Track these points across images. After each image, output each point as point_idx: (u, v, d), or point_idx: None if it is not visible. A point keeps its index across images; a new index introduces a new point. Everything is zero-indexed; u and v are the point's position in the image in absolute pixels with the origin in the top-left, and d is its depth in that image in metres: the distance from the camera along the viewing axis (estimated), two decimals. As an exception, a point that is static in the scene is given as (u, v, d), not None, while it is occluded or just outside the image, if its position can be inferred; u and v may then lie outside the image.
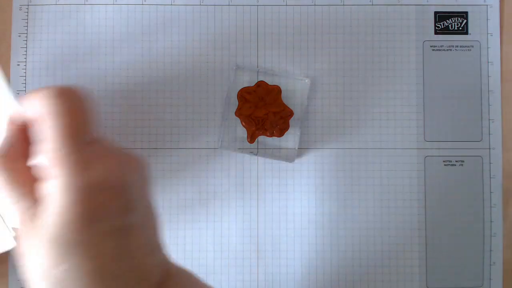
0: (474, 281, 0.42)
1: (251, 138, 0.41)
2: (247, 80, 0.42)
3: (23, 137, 0.25)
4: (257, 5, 0.42)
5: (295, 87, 0.42)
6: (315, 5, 0.42)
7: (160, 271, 0.26)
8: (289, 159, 0.41)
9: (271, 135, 0.41)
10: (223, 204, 0.42)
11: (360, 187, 0.42)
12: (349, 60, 0.42)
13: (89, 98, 0.24)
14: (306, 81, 0.41)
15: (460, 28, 0.42)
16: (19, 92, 0.42)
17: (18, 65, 0.42)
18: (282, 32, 0.42)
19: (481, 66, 0.42)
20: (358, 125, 0.42)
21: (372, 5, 0.42)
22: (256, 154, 0.41)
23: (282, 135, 0.41)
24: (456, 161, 0.42)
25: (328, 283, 0.42)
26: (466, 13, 0.42)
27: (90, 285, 0.23)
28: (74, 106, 0.23)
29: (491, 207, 0.42)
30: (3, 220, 0.31)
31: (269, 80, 0.41)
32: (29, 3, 0.42)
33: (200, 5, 0.42)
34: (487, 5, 0.42)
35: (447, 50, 0.42)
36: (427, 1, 0.42)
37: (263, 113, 0.40)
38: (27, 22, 0.42)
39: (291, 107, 0.41)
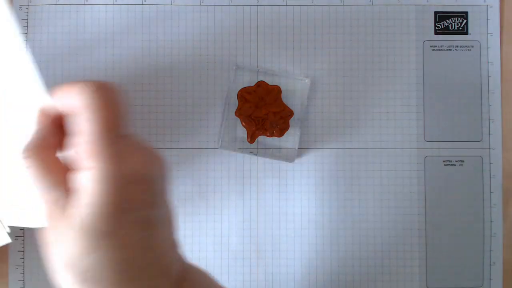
0: (474, 281, 0.42)
1: (251, 138, 0.41)
2: (247, 80, 0.42)
3: (53, 128, 0.25)
4: (257, 5, 0.42)
5: (295, 87, 0.42)
6: (315, 5, 0.42)
7: (178, 268, 0.26)
8: (289, 159, 0.41)
9: (271, 135, 0.41)
10: (223, 204, 0.42)
11: (360, 187, 0.42)
12: (349, 60, 0.42)
13: (121, 94, 0.25)
14: (306, 81, 0.41)
15: (460, 28, 0.42)
16: (19, 92, 0.42)
17: (18, 65, 0.42)
18: (282, 32, 0.42)
19: (481, 66, 0.42)
20: (358, 125, 0.42)
21: (372, 5, 0.42)
22: (256, 154, 0.41)
23: (282, 135, 0.41)
24: (456, 161, 0.42)
25: (328, 283, 0.42)
26: (466, 13, 0.42)
27: (116, 275, 0.23)
28: (110, 101, 0.24)
29: (491, 207, 0.42)
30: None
31: (269, 80, 0.41)
32: (29, 3, 0.42)
33: (200, 5, 0.42)
34: (487, 5, 0.42)
35: (447, 50, 0.42)
36: (427, 1, 0.42)
37: (263, 113, 0.40)
38: (27, 22, 0.42)
39: (291, 107, 0.41)
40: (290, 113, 0.41)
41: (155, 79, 0.42)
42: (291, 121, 0.41)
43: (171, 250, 0.26)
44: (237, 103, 0.41)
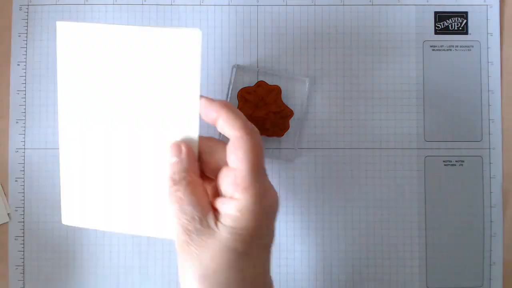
0: (474, 281, 0.42)
1: (251, 138, 0.41)
2: (247, 80, 0.42)
3: (195, 157, 0.30)
4: (257, 5, 0.42)
5: (295, 87, 0.42)
6: (315, 5, 0.42)
7: None
8: (289, 159, 0.41)
9: (271, 135, 0.41)
10: (223, 204, 0.42)
11: (360, 187, 0.42)
12: (349, 60, 0.42)
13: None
14: (306, 81, 0.41)
15: (460, 28, 0.42)
16: (19, 92, 0.42)
17: (18, 65, 0.42)
18: (282, 32, 0.42)
19: (481, 66, 0.42)
20: (358, 125, 0.42)
21: (372, 5, 0.42)
22: (256, 154, 0.41)
23: (282, 135, 0.41)
24: (456, 161, 0.42)
25: (328, 283, 0.42)
26: (466, 13, 0.42)
27: None
28: (259, 144, 0.28)
29: (491, 207, 0.42)
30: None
31: (269, 80, 0.41)
32: (29, 3, 0.42)
33: (201, 5, 0.42)
34: (487, 5, 0.42)
35: (447, 50, 0.42)
36: (427, 1, 0.42)
37: (263, 113, 0.40)
38: (27, 22, 0.42)
39: (291, 107, 0.41)
40: (290, 113, 0.41)
41: (155, 79, 0.42)
42: (291, 121, 0.41)
43: (269, 273, 0.30)
44: (237, 103, 0.41)
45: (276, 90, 0.41)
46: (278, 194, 0.30)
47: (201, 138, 0.29)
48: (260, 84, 0.41)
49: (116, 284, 0.42)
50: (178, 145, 0.29)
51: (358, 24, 0.42)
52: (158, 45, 0.28)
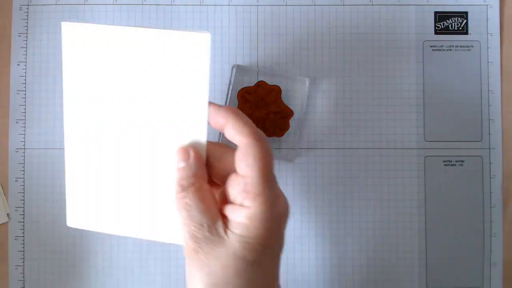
0: (474, 281, 0.42)
1: (251, 138, 0.41)
2: (247, 80, 0.42)
3: (203, 163, 0.29)
4: (257, 5, 0.42)
5: (295, 87, 0.42)
6: (315, 5, 0.42)
7: None
8: (289, 159, 0.41)
9: (271, 135, 0.41)
10: (223, 204, 0.42)
11: (360, 187, 0.42)
12: (349, 60, 0.42)
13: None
14: (306, 81, 0.41)
15: (460, 28, 0.42)
16: (19, 92, 0.42)
17: (18, 65, 0.42)
18: (282, 32, 0.42)
19: (481, 66, 0.42)
20: (358, 125, 0.42)
21: (372, 5, 0.42)
22: (256, 154, 0.41)
23: (282, 135, 0.41)
24: (456, 161, 0.42)
25: (328, 282, 0.42)
26: (466, 13, 0.42)
27: None
28: (269, 151, 0.28)
29: (491, 207, 0.42)
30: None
31: (269, 80, 0.41)
32: (29, 3, 0.42)
33: (201, 5, 0.42)
34: (487, 5, 0.42)
35: (447, 50, 0.42)
36: (427, 1, 0.42)
37: (263, 113, 0.40)
38: (27, 22, 0.42)
39: (291, 107, 0.41)
40: (290, 113, 0.41)
41: (155, 79, 0.42)
42: (291, 121, 0.41)
43: (278, 281, 0.30)
44: (237, 103, 0.41)
45: (276, 90, 0.41)
46: (288, 202, 0.29)
47: (209, 143, 0.29)
48: (260, 84, 0.41)
49: (116, 284, 0.42)
50: (186, 150, 0.28)
51: (358, 24, 0.42)
52: (166, 48, 0.28)
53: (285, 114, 0.41)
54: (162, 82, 0.28)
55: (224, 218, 0.28)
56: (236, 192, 0.27)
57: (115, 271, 0.42)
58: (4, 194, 0.42)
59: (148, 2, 0.42)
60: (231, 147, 0.29)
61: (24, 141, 0.42)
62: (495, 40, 0.42)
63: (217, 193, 0.30)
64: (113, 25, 0.29)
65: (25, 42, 0.42)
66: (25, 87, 0.42)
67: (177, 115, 0.29)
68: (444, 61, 0.42)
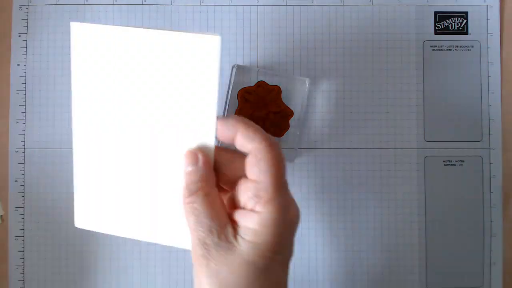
0: (474, 281, 0.42)
1: (251, 138, 0.41)
2: (247, 80, 0.42)
3: (211, 167, 0.28)
4: (257, 5, 0.42)
5: (295, 87, 0.42)
6: (315, 5, 0.42)
7: None
8: (289, 159, 0.41)
9: (271, 135, 0.41)
10: (223, 204, 0.41)
11: (360, 187, 0.42)
12: (349, 60, 0.42)
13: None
14: (306, 81, 0.41)
15: (460, 28, 0.42)
16: (19, 92, 0.42)
17: (18, 65, 0.42)
18: (282, 32, 0.42)
19: (481, 66, 0.42)
20: (358, 125, 0.42)
21: (372, 5, 0.42)
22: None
23: (282, 135, 0.41)
24: (456, 161, 0.42)
25: (328, 282, 0.42)
26: (466, 13, 0.42)
27: None
28: (281, 155, 0.27)
29: (491, 207, 0.42)
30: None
31: (269, 80, 0.41)
32: (29, 3, 0.42)
33: (201, 5, 0.42)
34: (487, 5, 0.42)
35: (447, 50, 0.42)
36: (427, 1, 0.42)
37: (263, 113, 0.40)
38: (27, 22, 0.42)
39: (291, 107, 0.41)
40: (290, 113, 0.41)
41: (155, 79, 0.42)
42: (291, 121, 0.41)
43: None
44: (237, 103, 0.41)
45: (276, 90, 0.41)
46: (299, 208, 0.29)
47: (216, 147, 0.28)
48: (260, 84, 0.41)
49: (116, 284, 0.42)
50: (194, 153, 0.28)
51: (358, 24, 0.42)
52: (176, 49, 0.27)
53: (285, 114, 0.41)
54: (171, 83, 0.28)
55: (234, 224, 0.27)
56: (247, 197, 0.27)
57: (115, 271, 0.42)
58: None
59: (148, 2, 0.42)
60: (239, 152, 0.29)
61: (24, 141, 0.42)
62: (495, 40, 0.42)
63: (224, 198, 0.29)
64: (122, 26, 0.28)
65: (25, 42, 0.42)
66: (25, 87, 0.42)
67: (185, 118, 0.28)
68: (444, 61, 0.42)
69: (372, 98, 0.42)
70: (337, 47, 0.42)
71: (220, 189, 0.29)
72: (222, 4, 0.42)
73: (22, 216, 0.42)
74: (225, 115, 0.41)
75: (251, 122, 0.28)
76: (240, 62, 0.42)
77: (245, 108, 0.40)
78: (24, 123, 0.42)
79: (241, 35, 0.42)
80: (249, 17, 0.42)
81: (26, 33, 0.42)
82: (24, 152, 0.42)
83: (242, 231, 0.26)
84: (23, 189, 0.42)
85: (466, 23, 0.42)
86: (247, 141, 0.27)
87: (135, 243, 0.41)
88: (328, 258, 0.42)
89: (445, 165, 0.42)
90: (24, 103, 0.42)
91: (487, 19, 0.42)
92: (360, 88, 0.42)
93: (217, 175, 0.28)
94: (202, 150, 0.28)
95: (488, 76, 0.42)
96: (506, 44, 0.43)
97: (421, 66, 0.42)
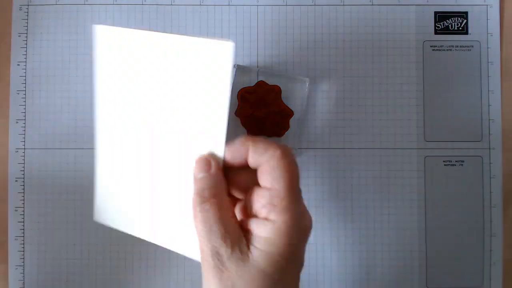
0: (474, 281, 0.42)
1: (251, 138, 0.41)
2: (247, 80, 0.42)
3: (222, 175, 0.27)
4: (257, 5, 0.42)
5: (295, 87, 0.42)
6: (315, 5, 0.42)
7: None
8: (289, 159, 0.41)
9: (271, 135, 0.41)
10: (223, 204, 0.41)
11: (360, 187, 0.42)
12: (349, 60, 0.42)
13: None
14: (306, 81, 0.41)
15: (460, 28, 0.42)
16: (19, 92, 0.42)
17: (18, 65, 0.42)
18: (282, 32, 0.42)
19: (481, 66, 0.42)
20: (358, 125, 0.42)
21: (372, 5, 0.42)
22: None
23: (282, 135, 0.41)
24: (456, 161, 0.42)
25: (328, 282, 0.42)
26: (466, 13, 0.42)
27: None
28: (295, 162, 0.26)
29: (491, 207, 0.42)
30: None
31: (269, 80, 0.41)
32: (29, 3, 0.42)
33: (200, 5, 0.42)
34: (487, 5, 0.42)
35: (447, 50, 0.42)
36: (427, 1, 0.42)
37: (263, 113, 0.40)
38: (27, 22, 0.42)
39: (291, 107, 0.41)
40: (290, 113, 0.41)
41: (155, 79, 0.42)
42: (291, 121, 0.41)
43: None
44: (237, 103, 0.41)
45: (276, 90, 0.41)
46: (311, 217, 0.28)
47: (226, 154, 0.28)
48: (260, 84, 0.41)
49: (117, 284, 0.42)
50: (207, 159, 0.27)
51: (358, 24, 0.42)
52: (190, 55, 0.27)
53: (285, 114, 0.41)
54: (185, 88, 0.28)
55: (246, 233, 0.26)
56: (260, 205, 0.26)
57: (115, 271, 0.42)
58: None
59: (148, 2, 0.42)
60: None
61: (24, 141, 0.42)
62: (495, 40, 0.42)
63: (234, 207, 0.28)
64: (144, 29, 0.28)
65: (25, 42, 0.42)
66: (25, 87, 0.42)
67: (197, 123, 0.28)
68: (444, 61, 0.42)
69: (372, 98, 0.42)
70: (337, 47, 0.42)
71: (230, 197, 0.28)
72: (222, 4, 0.42)
73: (22, 216, 0.42)
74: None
75: (259, 137, 0.27)
76: (240, 62, 0.42)
77: (245, 108, 0.40)
78: (24, 123, 0.42)
79: (241, 35, 0.42)
80: (249, 17, 0.42)
81: (26, 33, 0.42)
82: (24, 152, 0.42)
83: (255, 240, 0.26)
84: (23, 189, 0.42)
85: (466, 23, 0.42)
86: (259, 154, 0.26)
87: (136, 243, 0.41)
88: (328, 257, 0.42)
89: (445, 165, 0.42)
90: (24, 103, 0.42)
91: (487, 19, 0.42)
92: (360, 88, 0.42)
93: (227, 183, 0.28)
94: (214, 156, 0.27)
95: (488, 76, 0.42)
96: (506, 44, 0.43)
97: (421, 66, 0.42)
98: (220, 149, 0.27)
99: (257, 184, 0.27)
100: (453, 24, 0.42)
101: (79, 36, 0.42)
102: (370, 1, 0.42)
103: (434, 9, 0.42)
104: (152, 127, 0.29)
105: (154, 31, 0.28)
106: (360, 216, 0.42)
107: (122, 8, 0.42)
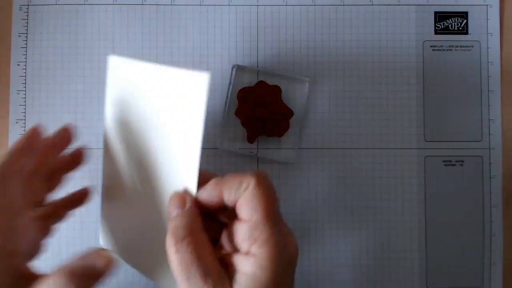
0: (474, 281, 0.42)
1: (251, 138, 0.41)
2: (247, 80, 0.42)
3: (198, 212, 0.26)
4: (257, 5, 0.42)
5: (295, 87, 0.42)
6: (315, 5, 0.42)
7: None
8: (289, 159, 0.41)
9: (271, 135, 0.41)
10: (223, 204, 0.41)
11: (360, 187, 0.42)
12: (349, 60, 0.42)
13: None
14: (306, 81, 0.41)
15: (460, 28, 0.42)
16: (19, 92, 0.42)
17: (18, 65, 0.42)
18: (282, 32, 0.42)
19: (481, 66, 0.42)
20: (358, 125, 0.42)
21: (372, 5, 0.42)
22: (256, 154, 0.41)
23: (282, 135, 0.41)
24: (456, 161, 0.42)
25: (328, 283, 0.42)
26: (466, 13, 0.42)
27: None
28: (272, 189, 0.25)
29: (491, 207, 0.42)
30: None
31: (269, 80, 0.41)
32: (29, 3, 0.42)
33: (200, 5, 0.42)
34: (487, 5, 0.42)
35: (447, 50, 0.42)
36: (427, 1, 0.42)
37: (263, 113, 0.40)
38: (27, 22, 0.42)
39: (291, 107, 0.41)
40: (290, 113, 0.41)
41: (155, 79, 0.42)
42: (291, 121, 0.41)
43: None
44: (237, 103, 0.41)
45: (276, 90, 0.41)
46: (296, 240, 0.27)
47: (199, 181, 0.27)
48: (260, 84, 0.41)
49: (116, 284, 0.41)
50: (181, 196, 0.26)
51: (358, 24, 0.42)
52: (169, 86, 0.27)
53: (285, 114, 0.41)
54: (164, 120, 0.28)
55: (228, 270, 0.25)
56: (241, 239, 0.25)
57: (115, 271, 0.41)
58: None
59: (148, 2, 0.42)
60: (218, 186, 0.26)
61: (24, 141, 0.42)
62: (495, 40, 0.42)
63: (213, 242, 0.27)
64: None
65: (25, 42, 0.42)
66: (25, 87, 0.42)
67: (172, 157, 0.27)
68: (444, 61, 0.42)
69: (372, 98, 0.42)
70: (337, 47, 0.42)
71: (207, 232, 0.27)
72: (222, 4, 0.42)
73: (22, 216, 0.41)
74: (225, 115, 0.41)
75: (230, 174, 0.26)
76: (240, 62, 0.42)
77: (245, 108, 0.40)
78: (24, 123, 0.42)
79: (241, 35, 0.42)
80: (249, 17, 0.42)
81: (26, 33, 0.42)
82: (24, 152, 0.42)
83: (239, 276, 0.24)
84: (23, 189, 0.42)
85: (466, 23, 0.42)
86: (234, 190, 0.25)
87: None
88: (328, 258, 0.42)
89: (445, 165, 0.42)
90: (24, 103, 0.42)
91: (487, 19, 0.42)
92: (360, 88, 0.42)
93: (200, 220, 0.26)
94: (188, 193, 0.26)
95: (488, 76, 0.42)
96: (506, 44, 0.43)
97: (421, 66, 0.42)
98: (193, 185, 0.26)
99: (235, 216, 0.26)
100: (453, 24, 0.42)
101: (79, 36, 0.42)
102: (370, 1, 0.42)
103: (434, 9, 0.42)
104: (143, 161, 0.30)
105: (151, 63, 0.28)
106: (360, 216, 0.42)
107: (122, 8, 0.42)
